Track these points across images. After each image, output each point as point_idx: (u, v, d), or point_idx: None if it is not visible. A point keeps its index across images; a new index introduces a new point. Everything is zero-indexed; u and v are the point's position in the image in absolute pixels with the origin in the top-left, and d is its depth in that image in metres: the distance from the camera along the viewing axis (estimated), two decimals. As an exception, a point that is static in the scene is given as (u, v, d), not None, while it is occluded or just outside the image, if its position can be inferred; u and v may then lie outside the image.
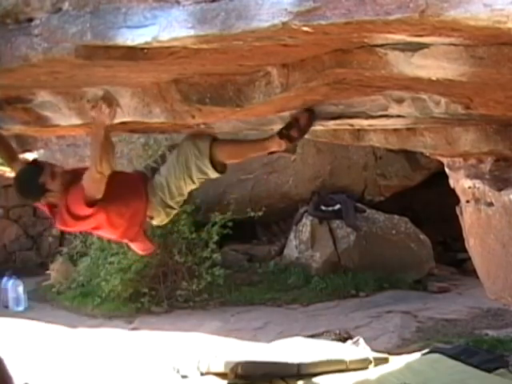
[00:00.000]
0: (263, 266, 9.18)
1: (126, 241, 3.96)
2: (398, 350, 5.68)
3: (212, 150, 3.59)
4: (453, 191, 4.56)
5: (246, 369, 4.83)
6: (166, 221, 3.93)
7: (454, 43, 2.04)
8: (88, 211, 3.45)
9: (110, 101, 3.17)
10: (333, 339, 5.88)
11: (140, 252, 4.14)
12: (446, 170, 4.58)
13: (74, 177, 3.53)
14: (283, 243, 9.44)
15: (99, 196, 3.42)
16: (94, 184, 3.40)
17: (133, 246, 3.97)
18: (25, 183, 3.50)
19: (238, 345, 6.15)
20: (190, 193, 3.90)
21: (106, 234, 3.87)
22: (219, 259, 8.36)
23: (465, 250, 4.79)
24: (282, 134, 3.59)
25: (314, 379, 4.74)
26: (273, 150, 3.75)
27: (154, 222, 3.89)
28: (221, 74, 2.76)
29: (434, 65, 2.18)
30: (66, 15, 2.18)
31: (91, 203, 3.43)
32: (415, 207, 9.90)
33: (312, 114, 3.52)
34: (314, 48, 2.26)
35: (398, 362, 5.01)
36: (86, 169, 3.50)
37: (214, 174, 3.67)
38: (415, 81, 2.42)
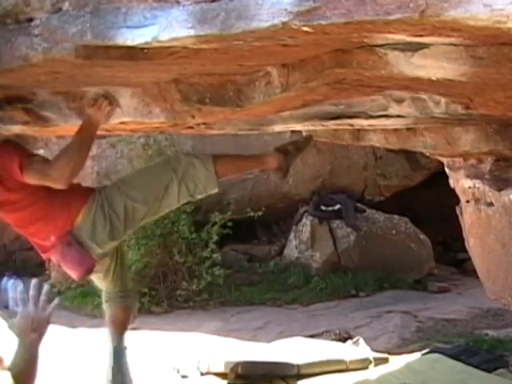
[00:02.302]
0: (263, 266, 9.17)
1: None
2: (398, 350, 5.68)
3: (215, 162, 3.47)
4: (453, 191, 4.56)
5: (246, 369, 4.82)
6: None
7: (454, 43, 2.04)
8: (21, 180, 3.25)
9: (110, 100, 3.16)
10: (333, 339, 5.87)
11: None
12: (446, 170, 4.58)
13: (3, 147, 3.34)
14: (283, 243, 9.44)
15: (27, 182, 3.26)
16: (38, 180, 3.25)
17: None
18: None
19: (238, 345, 6.15)
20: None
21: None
22: (219, 259, 8.35)
23: (465, 250, 4.79)
24: (278, 149, 3.62)
25: (314, 379, 4.74)
26: (268, 165, 3.70)
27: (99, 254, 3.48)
28: (221, 74, 2.76)
29: (434, 65, 2.18)
30: (66, 15, 2.18)
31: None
32: (415, 207, 9.90)
33: (311, 138, 3.58)
34: (314, 48, 2.26)
35: (398, 362, 5.01)
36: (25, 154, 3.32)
37: (213, 189, 3.50)
38: (415, 81, 2.42)
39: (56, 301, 2.06)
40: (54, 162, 3.26)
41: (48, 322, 2.04)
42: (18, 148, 3.41)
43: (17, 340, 2.00)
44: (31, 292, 2.02)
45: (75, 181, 3.46)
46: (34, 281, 2.06)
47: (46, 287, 2.03)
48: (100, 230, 3.40)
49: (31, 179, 3.26)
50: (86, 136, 3.27)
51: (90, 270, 3.49)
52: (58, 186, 3.28)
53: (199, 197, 3.52)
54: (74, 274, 3.51)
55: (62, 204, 3.40)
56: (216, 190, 3.53)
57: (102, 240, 3.45)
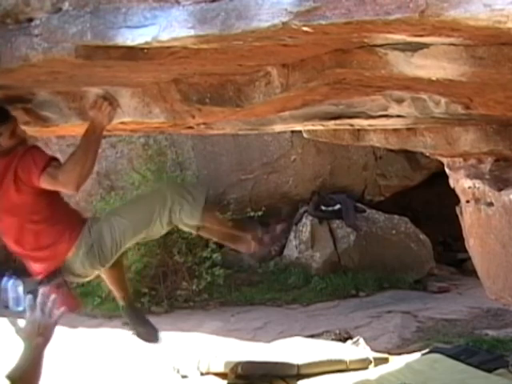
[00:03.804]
0: (263, 266, 9.17)
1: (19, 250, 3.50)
2: (397, 350, 5.68)
3: (204, 212, 3.47)
4: (453, 191, 4.56)
5: (246, 369, 4.82)
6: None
7: (454, 43, 2.04)
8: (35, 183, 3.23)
9: (111, 100, 3.15)
10: (333, 339, 5.87)
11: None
12: (446, 170, 4.58)
13: (28, 150, 3.32)
14: (283, 243, 9.44)
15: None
16: (50, 184, 3.25)
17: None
18: None
19: (237, 345, 6.15)
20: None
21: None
22: (219, 259, 8.35)
23: (465, 250, 4.79)
24: (254, 236, 3.60)
25: (314, 379, 4.74)
26: (240, 248, 3.70)
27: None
28: (221, 74, 2.76)
29: (434, 65, 2.18)
30: (66, 15, 2.18)
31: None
32: (415, 207, 9.89)
33: (287, 226, 3.53)
34: (314, 48, 2.26)
35: (398, 362, 5.01)
36: (44, 157, 3.31)
37: (189, 228, 3.55)
38: (415, 81, 2.43)
39: (62, 309, 2.21)
40: (62, 166, 3.26)
41: (54, 328, 2.20)
42: (44, 154, 3.39)
43: (23, 343, 2.19)
44: (39, 299, 2.18)
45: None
46: (41, 290, 2.25)
47: (53, 296, 2.19)
48: (86, 265, 3.42)
49: (45, 183, 3.25)
50: (91, 139, 3.26)
51: (71, 310, 3.51)
52: (68, 190, 3.28)
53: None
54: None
55: (60, 232, 3.39)
56: (189, 229, 3.61)
57: (86, 273, 3.52)
